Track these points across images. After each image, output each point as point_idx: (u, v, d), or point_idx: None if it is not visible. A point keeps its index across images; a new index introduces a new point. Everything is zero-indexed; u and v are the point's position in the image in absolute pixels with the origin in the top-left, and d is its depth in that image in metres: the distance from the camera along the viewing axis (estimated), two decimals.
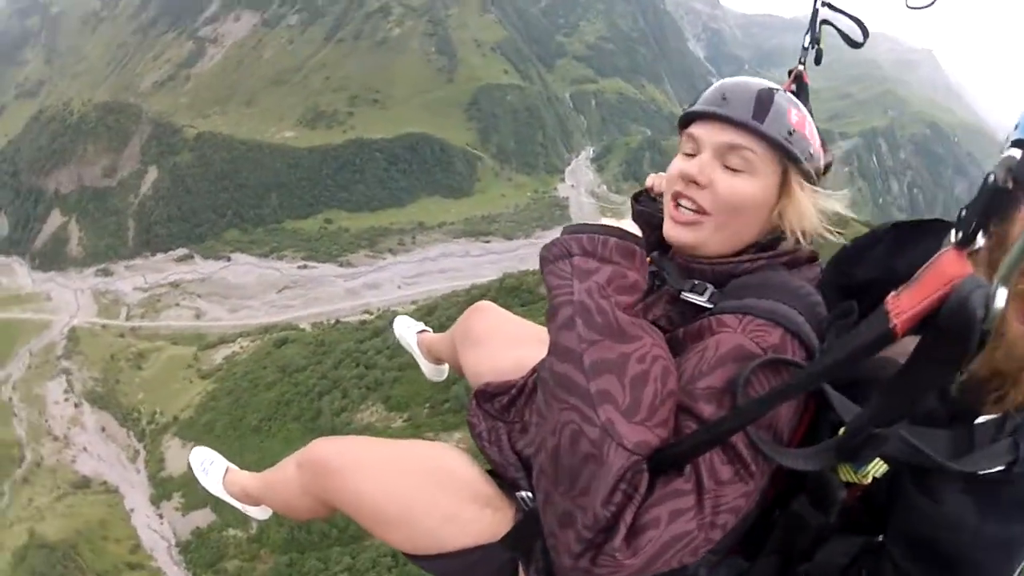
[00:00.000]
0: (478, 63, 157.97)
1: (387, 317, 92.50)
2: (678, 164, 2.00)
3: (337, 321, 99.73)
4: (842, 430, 1.32)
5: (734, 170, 1.91)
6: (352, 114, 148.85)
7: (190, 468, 3.58)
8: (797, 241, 1.93)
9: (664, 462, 1.47)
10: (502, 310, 3.10)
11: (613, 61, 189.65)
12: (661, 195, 2.26)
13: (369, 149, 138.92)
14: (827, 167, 2.01)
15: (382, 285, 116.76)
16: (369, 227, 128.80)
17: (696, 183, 1.93)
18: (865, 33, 2.39)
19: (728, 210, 1.91)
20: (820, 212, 1.92)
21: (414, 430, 57.16)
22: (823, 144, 2.01)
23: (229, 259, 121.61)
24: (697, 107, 2.00)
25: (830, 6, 2.34)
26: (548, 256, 1.71)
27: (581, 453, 1.42)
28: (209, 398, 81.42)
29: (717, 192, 1.91)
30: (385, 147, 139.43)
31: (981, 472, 1.32)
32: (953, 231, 1.05)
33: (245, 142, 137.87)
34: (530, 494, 1.99)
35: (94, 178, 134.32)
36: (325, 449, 2.44)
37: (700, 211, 1.93)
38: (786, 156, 1.90)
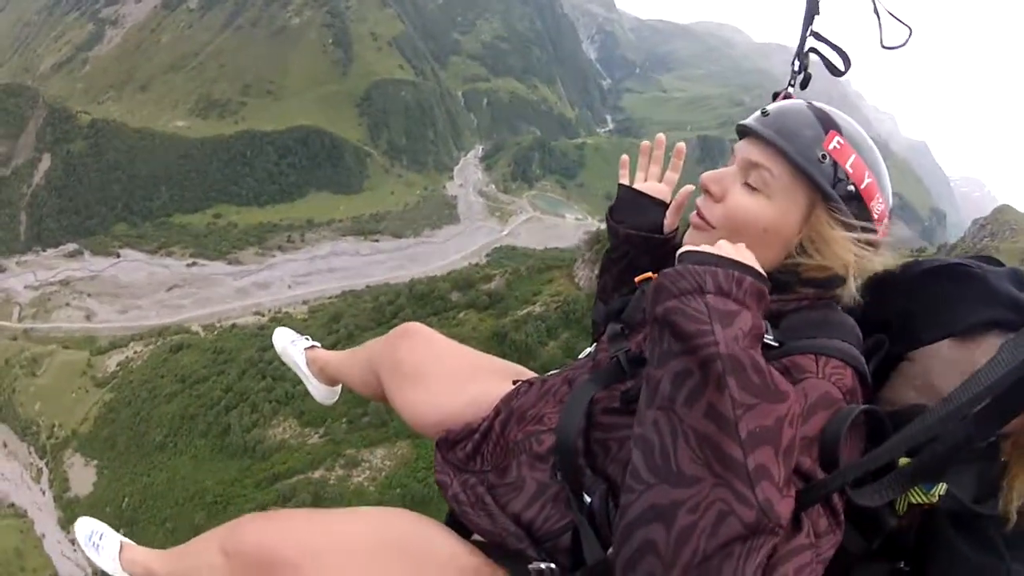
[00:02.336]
0: (373, 57, 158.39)
1: (288, 323, 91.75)
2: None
3: (233, 325, 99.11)
4: (921, 452, 1.31)
5: (752, 188, 1.81)
6: (245, 104, 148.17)
7: (80, 541, 3.23)
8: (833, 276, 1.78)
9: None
10: (434, 334, 2.76)
11: (507, 61, 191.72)
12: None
13: (260, 141, 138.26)
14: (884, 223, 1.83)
15: (272, 284, 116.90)
16: (258, 223, 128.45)
17: (710, 194, 1.87)
18: (847, 63, 2.45)
19: (731, 228, 1.79)
20: (856, 259, 1.74)
21: (334, 446, 56.96)
22: (886, 191, 1.84)
23: (119, 255, 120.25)
24: (741, 123, 1.94)
25: (817, 35, 2.46)
26: (673, 289, 1.43)
27: (724, 536, 1.25)
28: (107, 409, 79.41)
29: (725, 207, 1.82)
30: (276, 139, 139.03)
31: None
32: None
33: (138, 131, 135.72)
34: (551, 565, 1.75)
35: None
36: (266, 537, 2.03)
37: (706, 223, 1.85)
38: (811, 184, 1.75)
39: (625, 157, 2.38)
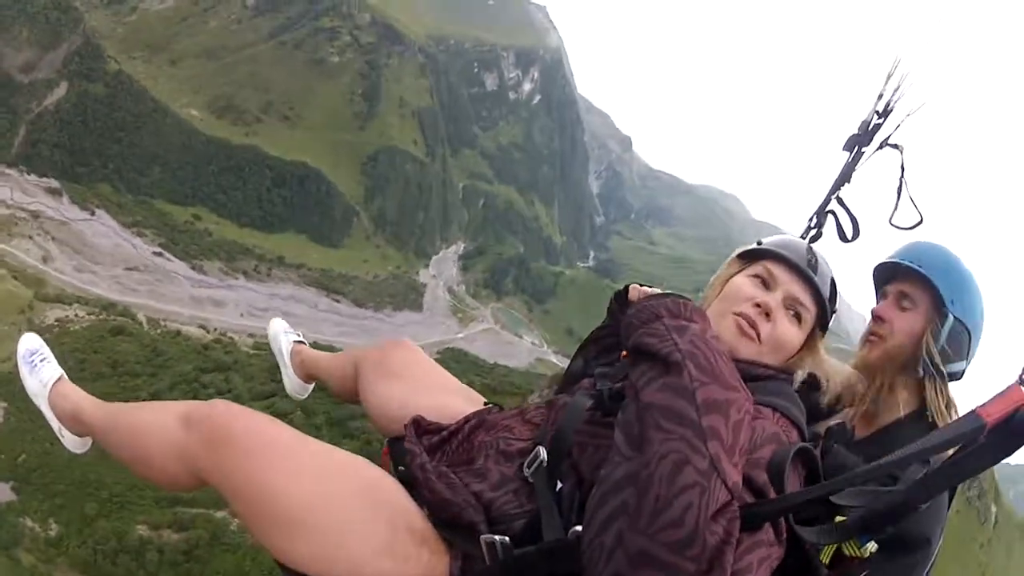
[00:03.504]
0: (394, 121, 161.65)
1: (232, 352, 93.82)
2: (751, 289, 2.29)
3: (179, 332, 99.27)
4: (858, 508, 1.53)
5: (795, 316, 2.27)
6: (260, 120, 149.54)
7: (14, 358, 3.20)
8: (805, 378, 2.29)
9: (748, 517, 1.53)
10: (422, 352, 2.88)
11: (514, 170, 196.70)
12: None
13: (262, 162, 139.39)
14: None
15: (227, 305, 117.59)
16: (231, 240, 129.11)
17: (768, 316, 2.23)
18: (857, 231, 2.68)
19: (776, 346, 2.23)
20: (835, 371, 2.34)
21: None
22: None
23: (93, 214, 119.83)
24: (788, 255, 2.33)
25: (840, 201, 2.67)
26: (635, 322, 1.81)
27: (681, 483, 1.42)
28: None
29: (775, 330, 2.23)
30: (277, 166, 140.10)
31: None
32: (1020, 374, 1.33)
33: (155, 102, 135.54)
34: (505, 539, 1.78)
35: (12, 66, 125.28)
36: (238, 418, 2.00)
37: (757, 336, 2.22)
38: (821, 328, 2.33)
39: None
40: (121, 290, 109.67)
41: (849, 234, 2.75)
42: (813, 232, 2.87)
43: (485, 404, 2.54)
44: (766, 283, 2.32)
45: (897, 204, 2.60)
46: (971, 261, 2.71)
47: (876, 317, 2.77)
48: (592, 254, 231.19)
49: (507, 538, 1.81)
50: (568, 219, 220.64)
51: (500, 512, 1.89)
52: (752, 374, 2.12)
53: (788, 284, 2.30)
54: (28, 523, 60.31)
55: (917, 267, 2.63)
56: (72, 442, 2.98)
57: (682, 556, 1.38)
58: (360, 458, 2.09)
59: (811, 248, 2.41)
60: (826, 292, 2.33)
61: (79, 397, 2.89)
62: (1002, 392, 1.37)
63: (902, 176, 2.57)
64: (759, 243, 2.47)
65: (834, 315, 2.36)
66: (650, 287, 2.43)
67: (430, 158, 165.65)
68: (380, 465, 2.21)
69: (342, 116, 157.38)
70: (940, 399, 2.60)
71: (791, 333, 2.27)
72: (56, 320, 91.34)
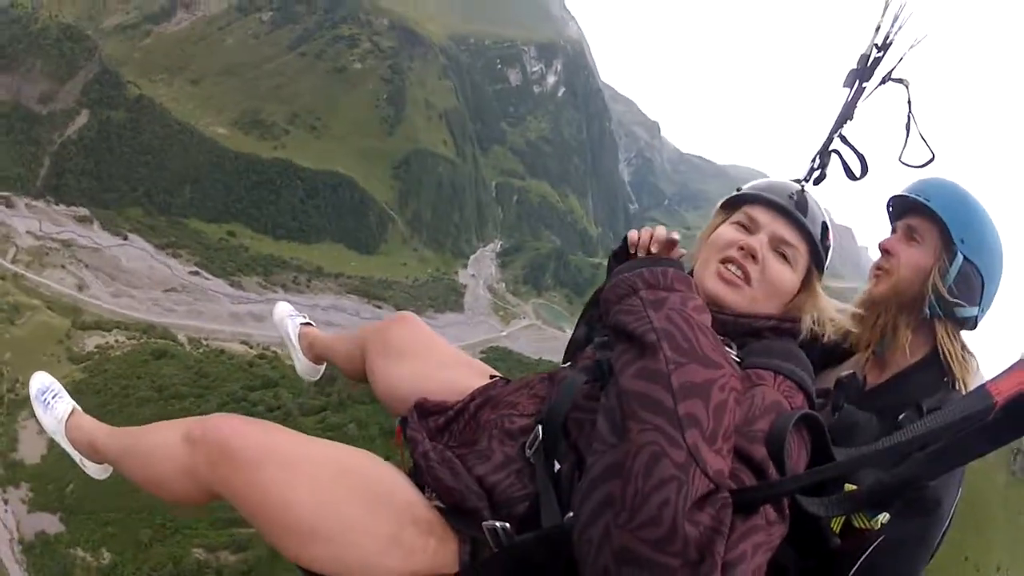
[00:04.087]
0: (422, 125, 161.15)
1: (278, 366, 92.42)
2: (732, 234, 2.28)
3: (222, 351, 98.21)
4: (871, 481, 1.44)
5: (783, 258, 2.24)
6: (288, 132, 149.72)
7: (30, 398, 3.26)
8: (813, 323, 2.26)
9: (742, 502, 1.49)
10: (425, 324, 2.90)
11: (546, 164, 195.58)
12: (641, 252, 2.37)
13: (293, 174, 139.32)
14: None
15: (267, 319, 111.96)
16: (268, 254, 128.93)
17: (754, 257, 2.21)
18: (865, 169, 2.57)
19: (768, 289, 2.21)
20: (832, 316, 2.30)
21: None
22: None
23: (126, 238, 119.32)
24: (768, 195, 2.33)
25: (844, 139, 2.58)
26: (612, 296, 1.78)
27: (657, 477, 1.39)
28: (75, 389, 72.14)
29: (766, 272, 2.21)
30: (309, 177, 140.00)
31: None
32: None
33: (180, 123, 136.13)
34: (506, 525, 1.81)
35: (30, 99, 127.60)
36: (234, 432, 2.02)
37: (745, 279, 2.20)
38: (816, 265, 2.29)
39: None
40: (160, 312, 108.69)
41: (857, 171, 2.61)
42: (817, 173, 2.69)
43: (491, 377, 2.53)
44: (749, 228, 2.29)
45: (907, 141, 2.48)
46: (991, 203, 2.64)
47: (883, 250, 2.72)
48: None
49: (508, 524, 1.83)
50: (602, 210, 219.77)
51: (503, 496, 1.90)
52: (753, 328, 2.14)
53: (771, 224, 2.27)
54: (79, 553, 59.41)
55: (924, 200, 2.58)
56: (94, 470, 3.03)
57: (664, 553, 1.36)
58: (362, 454, 2.10)
59: (797, 188, 2.39)
60: (815, 230, 2.29)
61: (93, 427, 2.94)
62: (1012, 367, 1.31)
63: (910, 111, 2.43)
64: (739, 189, 2.45)
65: (828, 253, 2.33)
66: (651, 231, 2.33)
67: (460, 158, 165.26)
68: (396, 446, 2.28)
69: (369, 122, 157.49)
70: (954, 343, 2.51)
71: (783, 273, 2.24)
72: (96, 347, 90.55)
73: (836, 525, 1.99)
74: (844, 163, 2.61)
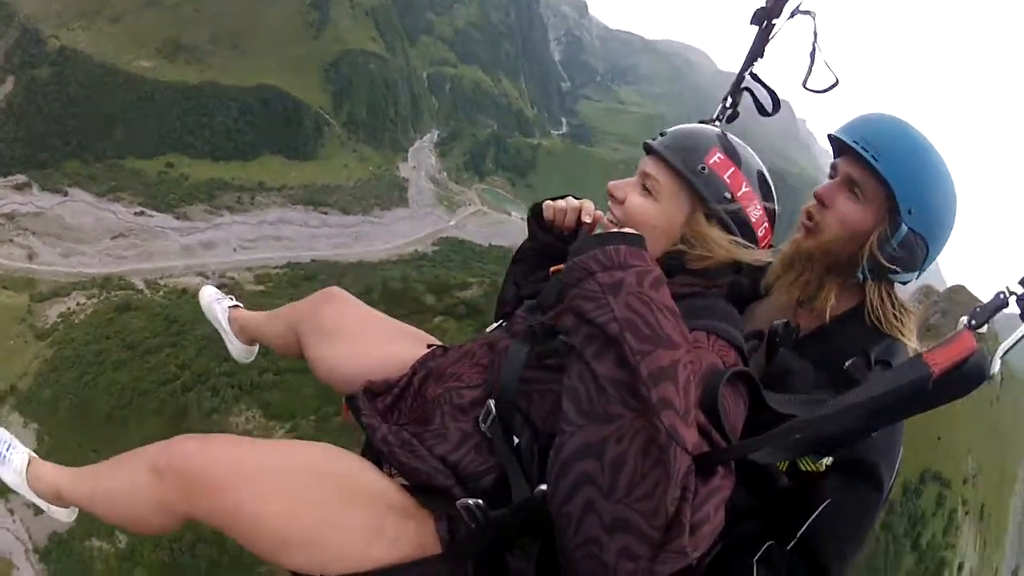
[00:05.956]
0: (348, 25, 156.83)
1: (241, 296, 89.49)
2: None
3: (184, 291, 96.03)
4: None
5: (647, 193, 2.21)
6: (213, 53, 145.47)
7: None
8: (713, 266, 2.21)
9: (702, 465, 1.58)
10: (354, 299, 2.90)
11: (476, 50, 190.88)
12: (556, 226, 2.62)
13: (223, 95, 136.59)
14: (772, 216, 2.26)
15: (218, 245, 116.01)
16: (209, 178, 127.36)
17: (613, 197, 2.26)
18: (776, 105, 2.63)
19: (629, 225, 2.18)
20: (728, 251, 2.16)
21: None
22: (766, 199, 2.24)
23: (67, 194, 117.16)
24: (646, 142, 2.31)
25: (755, 77, 2.61)
26: (570, 281, 1.75)
27: (652, 459, 1.48)
28: (49, 367, 76.00)
29: (624, 208, 2.23)
30: (239, 95, 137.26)
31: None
32: (967, 318, 1.41)
33: (103, 65, 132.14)
34: (479, 501, 1.85)
35: None
36: (196, 457, 1.99)
37: (614, 223, 2.25)
38: (691, 190, 2.16)
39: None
40: (112, 262, 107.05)
41: (769, 107, 2.68)
42: (729, 112, 2.79)
43: (429, 346, 2.56)
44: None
45: (811, 68, 2.48)
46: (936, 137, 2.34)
47: (818, 198, 2.42)
48: (564, 121, 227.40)
49: (480, 500, 1.86)
50: (536, 91, 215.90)
51: (468, 471, 1.94)
52: (678, 294, 1.99)
53: (641, 166, 2.28)
54: (96, 543, 58.20)
55: (873, 159, 2.23)
56: (62, 514, 2.90)
57: (650, 525, 1.46)
58: (324, 448, 2.11)
59: (684, 129, 2.33)
60: (680, 161, 2.19)
61: (54, 475, 2.80)
62: (951, 338, 1.39)
63: (815, 41, 2.44)
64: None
65: (706, 181, 2.16)
66: (563, 199, 2.53)
67: (391, 53, 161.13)
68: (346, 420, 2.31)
69: (294, 30, 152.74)
70: (884, 305, 2.32)
71: (638, 205, 2.23)
72: (59, 316, 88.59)
73: (782, 466, 2.01)
74: (756, 100, 2.67)
